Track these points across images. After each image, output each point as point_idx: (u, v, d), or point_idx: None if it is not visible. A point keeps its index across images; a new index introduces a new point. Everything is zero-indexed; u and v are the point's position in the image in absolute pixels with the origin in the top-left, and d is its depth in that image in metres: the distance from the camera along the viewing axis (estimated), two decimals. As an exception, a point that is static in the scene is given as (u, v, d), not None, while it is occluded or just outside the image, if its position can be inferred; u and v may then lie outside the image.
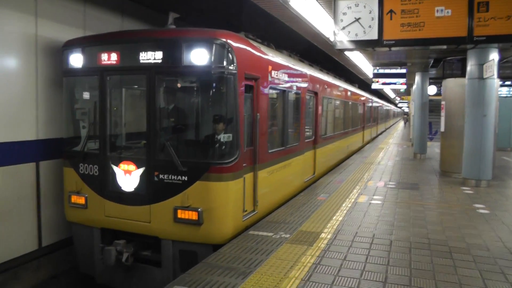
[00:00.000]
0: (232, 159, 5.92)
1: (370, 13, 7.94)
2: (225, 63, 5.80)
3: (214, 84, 6.08)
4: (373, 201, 8.50)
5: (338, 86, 14.51)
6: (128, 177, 6.17)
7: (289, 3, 7.96)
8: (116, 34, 6.82)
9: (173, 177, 5.88)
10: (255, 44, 6.94)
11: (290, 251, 5.43)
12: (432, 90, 16.79)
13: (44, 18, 7.02)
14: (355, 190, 9.59)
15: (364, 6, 7.97)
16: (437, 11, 7.59)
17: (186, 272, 4.75)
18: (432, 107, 18.23)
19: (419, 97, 17.17)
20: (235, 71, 5.88)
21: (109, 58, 6.28)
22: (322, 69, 13.06)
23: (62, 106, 7.13)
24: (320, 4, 8.86)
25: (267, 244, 5.68)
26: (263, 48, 7.22)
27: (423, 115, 17.13)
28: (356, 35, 8.10)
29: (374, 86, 16.81)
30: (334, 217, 7.15)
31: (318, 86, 11.06)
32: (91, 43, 6.56)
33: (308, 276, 4.67)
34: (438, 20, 7.60)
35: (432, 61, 13.97)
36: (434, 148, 19.65)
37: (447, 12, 7.55)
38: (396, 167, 13.92)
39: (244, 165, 6.24)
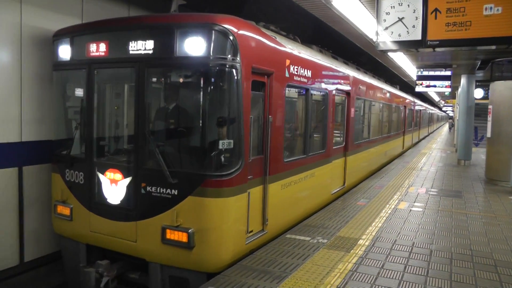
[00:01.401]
0: (233, 170, 4.97)
1: (414, 12, 7.67)
2: (226, 53, 4.89)
3: (212, 79, 5.12)
4: (413, 208, 8.23)
5: (375, 87, 13.20)
6: (114, 187, 5.40)
7: (332, 3, 7.83)
8: (105, 21, 5.90)
9: (161, 190, 5.04)
10: (270, 33, 5.99)
11: (327, 257, 5.32)
12: (478, 93, 16.13)
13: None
14: (395, 196, 9.32)
15: (408, 5, 7.70)
16: (486, 9, 7.22)
17: (221, 274, 4.75)
18: (478, 111, 17.52)
19: (464, 101, 16.52)
20: (238, 64, 4.93)
21: (98, 49, 5.54)
22: (359, 67, 12.28)
23: (51, 105, 6.53)
24: (363, 4, 8.67)
25: (304, 249, 5.60)
26: (280, 39, 6.23)
27: (468, 120, 16.48)
28: (399, 35, 7.85)
29: (418, 88, 16.35)
30: (373, 224, 6.97)
31: (351, 85, 9.85)
32: (80, 33, 5.85)
33: (344, 283, 4.55)
34: (487, 18, 7.23)
35: (479, 63, 13.42)
36: (479, 154, 18.90)
37: (497, 10, 7.16)
38: (438, 173, 13.45)
39: (249, 177, 5.32)
